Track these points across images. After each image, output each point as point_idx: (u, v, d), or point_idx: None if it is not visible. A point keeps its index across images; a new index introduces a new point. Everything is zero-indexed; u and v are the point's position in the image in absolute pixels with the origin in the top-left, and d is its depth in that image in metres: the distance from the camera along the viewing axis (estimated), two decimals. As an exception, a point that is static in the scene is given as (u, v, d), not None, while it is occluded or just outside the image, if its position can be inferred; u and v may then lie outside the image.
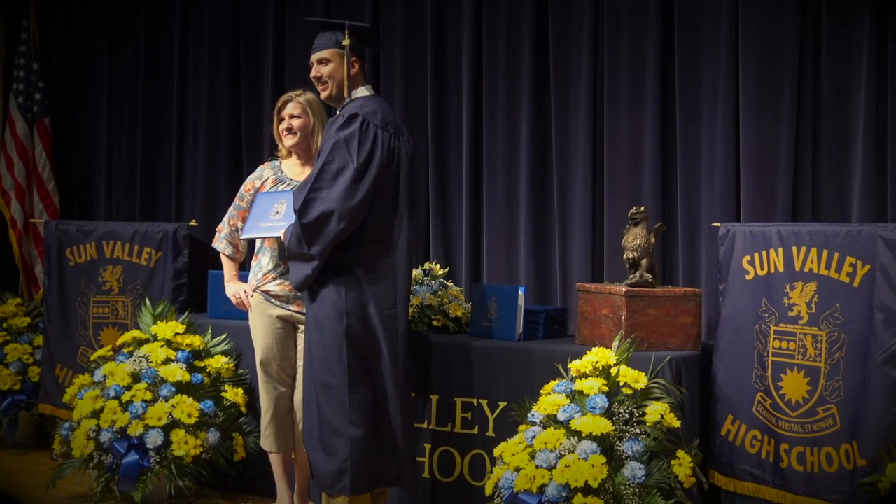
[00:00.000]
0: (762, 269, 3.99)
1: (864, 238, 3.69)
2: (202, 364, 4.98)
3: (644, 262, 4.21)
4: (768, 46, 4.64)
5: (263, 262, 4.51)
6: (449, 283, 4.94)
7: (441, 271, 4.95)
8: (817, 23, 4.59)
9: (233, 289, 4.68)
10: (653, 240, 4.24)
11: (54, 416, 5.60)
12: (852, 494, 3.62)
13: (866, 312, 3.63)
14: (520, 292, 4.48)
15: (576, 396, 3.87)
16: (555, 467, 3.65)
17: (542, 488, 3.63)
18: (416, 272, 4.81)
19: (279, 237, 4.25)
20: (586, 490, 3.59)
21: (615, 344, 4.01)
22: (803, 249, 3.85)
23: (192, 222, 5.66)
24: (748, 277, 4.03)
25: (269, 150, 5.54)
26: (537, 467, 3.67)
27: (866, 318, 3.63)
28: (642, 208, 4.28)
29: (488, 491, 3.90)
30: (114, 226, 5.66)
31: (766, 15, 4.64)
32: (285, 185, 4.53)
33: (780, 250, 3.93)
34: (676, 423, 3.76)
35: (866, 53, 4.42)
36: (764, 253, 3.99)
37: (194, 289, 5.45)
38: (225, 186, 6.24)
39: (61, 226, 5.73)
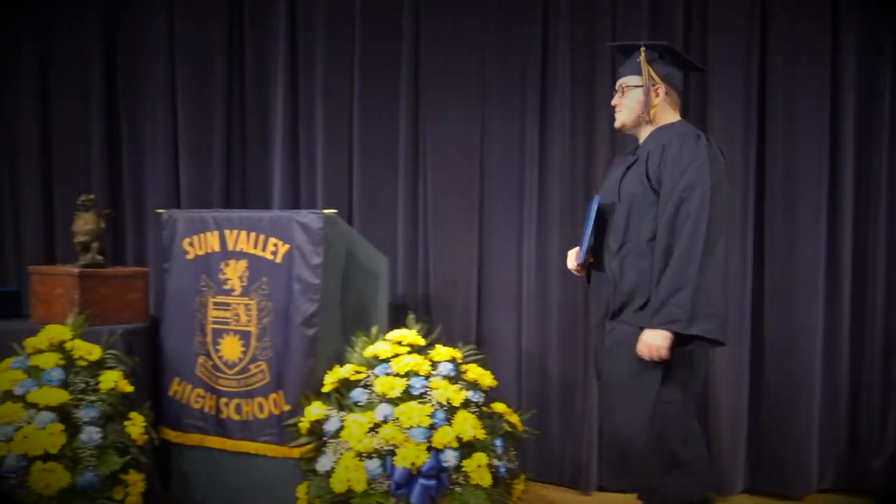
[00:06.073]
0: (201, 249, 3.97)
1: (283, 222, 3.80)
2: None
3: (95, 244, 4.02)
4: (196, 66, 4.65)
5: None
6: None
7: None
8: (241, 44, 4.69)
9: None
10: (102, 224, 4.05)
11: None
12: (280, 435, 3.74)
13: (287, 284, 3.76)
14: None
15: (32, 371, 3.57)
16: (12, 440, 3.35)
17: (1, 460, 3.32)
18: None
19: None
20: (46, 457, 3.32)
21: (70, 320, 3.77)
22: (235, 232, 3.89)
23: None
24: (189, 257, 3.99)
25: None
26: (-7, 442, 3.34)
27: (287, 289, 3.76)
28: (91, 196, 4.07)
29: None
30: None
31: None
32: None
33: (216, 233, 3.93)
34: (129, 389, 3.63)
35: (281, 71, 4.59)
36: (202, 235, 3.96)
37: None
38: None
39: None
